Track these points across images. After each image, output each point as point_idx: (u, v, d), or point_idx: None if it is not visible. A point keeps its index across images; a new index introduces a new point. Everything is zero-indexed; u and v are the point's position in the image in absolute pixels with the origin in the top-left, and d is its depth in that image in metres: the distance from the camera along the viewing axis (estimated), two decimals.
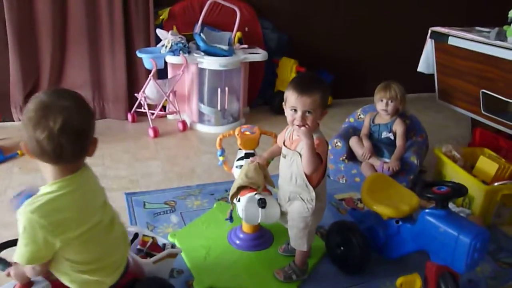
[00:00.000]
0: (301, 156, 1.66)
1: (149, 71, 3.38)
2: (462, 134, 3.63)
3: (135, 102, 3.51)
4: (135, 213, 2.32)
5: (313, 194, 1.72)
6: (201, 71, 3.45)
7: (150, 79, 3.31)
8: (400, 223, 1.87)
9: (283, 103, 1.70)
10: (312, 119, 1.62)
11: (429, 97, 4.39)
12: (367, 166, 2.66)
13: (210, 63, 3.37)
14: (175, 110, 3.51)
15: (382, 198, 1.90)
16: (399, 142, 2.67)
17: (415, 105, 4.07)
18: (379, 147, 2.72)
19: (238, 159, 2.09)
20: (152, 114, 3.42)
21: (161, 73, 3.50)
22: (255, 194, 1.85)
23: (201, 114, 3.59)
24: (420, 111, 3.97)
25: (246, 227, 2.05)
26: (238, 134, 2.05)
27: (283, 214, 1.86)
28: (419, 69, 3.17)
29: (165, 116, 3.70)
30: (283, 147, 1.77)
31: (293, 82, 1.64)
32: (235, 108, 3.65)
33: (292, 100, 1.62)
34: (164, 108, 3.64)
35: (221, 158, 2.15)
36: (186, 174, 2.81)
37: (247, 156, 2.07)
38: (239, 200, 1.94)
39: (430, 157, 2.88)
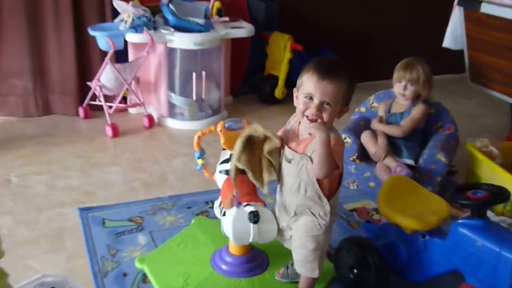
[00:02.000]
0: (312, 161, 1.66)
1: (105, 53, 3.37)
2: (500, 125, 3.68)
3: (88, 93, 3.50)
4: (92, 233, 2.32)
5: (328, 207, 1.72)
6: (171, 51, 3.45)
7: (106, 63, 3.30)
8: (427, 237, 1.88)
9: (295, 90, 1.71)
10: (330, 113, 1.62)
11: (457, 79, 4.46)
12: (383, 167, 2.68)
13: (182, 41, 3.36)
14: (138, 102, 3.51)
15: (404, 207, 1.92)
16: (404, 122, 2.70)
17: (440, 90, 4.11)
18: (396, 143, 2.74)
19: (222, 162, 2.09)
20: (110, 107, 3.41)
21: (120, 56, 3.49)
22: (245, 205, 1.85)
23: (171, 106, 3.58)
24: (447, 96, 4.01)
25: (234, 248, 2.05)
26: (221, 131, 2.05)
27: (281, 231, 1.87)
28: (444, 44, 3.19)
29: (126, 110, 3.70)
30: (287, 149, 1.75)
31: (315, 63, 1.64)
32: (214, 97, 3.66)
33: (309, 85, 1.61)
34: (124, 99, 3.63)
35: (200, 162, 2.15)
36: (155, 182, 2.81)
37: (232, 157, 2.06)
38: (224, 214, 1.94)
39: (461, 154, 2.91)
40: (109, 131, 3.33)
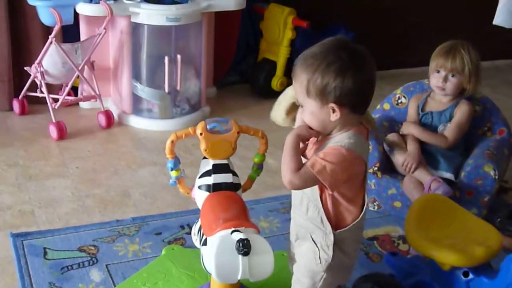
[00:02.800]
0: None
1: (48, 30, 3.33)
2: None
3: (26, 82, 3.49)
4: (29, 267, 2.30)
5: (331, 238, 1.74)
6: (136, 28, 3.45)
7: (50, 43, 3.29)
8: (471, 275, 1.88)
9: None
10: (306, 114, 1.72)
11: (509, 67, 4.49)
12: (413, 183, 2.68)
13: (151, 14, 3.37)
14: (93, 94, 3.50)
15: (441, 236, 1.92)
16: (449, 132, 2.71)
17: (487, 80, 4.12)
18: (431, 152, 2.75)
19: (203, 175, 2.08)
20: (55, 101, 3.40)
21: (69, 33, 3.48)
22: (232, 231, 1.84)
23: (136, 100, 3.58)
24: (496, 89, 4.04)
25: (218, 287, 2.03)
26: (201, 134, 2.05)
27: (292, 258, 1.89)
28: (495, 21, 3.20)
29: (77, 104, 3.68)
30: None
31: None
32: (193, 89, 3.66)
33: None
34: (74, 91, 3.61)
35: (173, 174, 2.13)
36: (114, 200, 2.81)
37: (216, 169, 2.06)
38: (204, 243, 1.93)
39: None
40: (53, 131, 3.32)
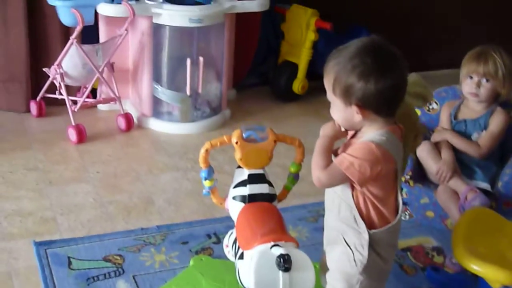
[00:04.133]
0: None
1: (68, 30, 3.30)
2: None
3: (44, 84, 3.45)
4: (53, 278, 2.25)
5: (366, 237, 1.72)
6: (157, 29, 3.41)
7: (71, 44, 3.24)
8: None
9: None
10: (334, 112, 1.75)
11: None
12: (448, 192, 2.61)
13: (173, 15, 3.32)
14: (112, 96, 3.45)
15: (491, 252, 1.85)
16: (483, 141, 2.65)
17: None
18: (465, 160, 2.67)
19: (237, 185, 2.02)
20: (75, 103, 3.35)
21: (88, 34, 3.43)
22: (273, 245, 1.78)
23: (157, 103, 3.54)
24: None
25: None
26: (237, 143, 1.98)
27: (324, 271, 1.85)
28: None
29: (94, 106, 3.64)
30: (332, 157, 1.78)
31: None
32: (214, 92, 3.62)
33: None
34: (93, 93, 3.57)
35: (207, 184, 2.07)
36: (138, 207, 2.76)
37: (252, 179, 1.99)
38: (241, 256, 1.88)
39: None
40: (72, 134, 3.28)
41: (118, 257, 2.38)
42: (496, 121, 2.66)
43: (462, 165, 2.66)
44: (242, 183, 2.01)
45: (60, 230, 2.54)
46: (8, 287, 2.20)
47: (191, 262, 2.33)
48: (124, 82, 3.60)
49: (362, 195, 1.70)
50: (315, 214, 2.76)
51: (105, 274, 2.28)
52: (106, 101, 3.51)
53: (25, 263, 2.32)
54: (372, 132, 1.68)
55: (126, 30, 3.33)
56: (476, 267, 1.83)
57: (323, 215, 2.71)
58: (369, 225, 1.72)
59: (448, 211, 2.60)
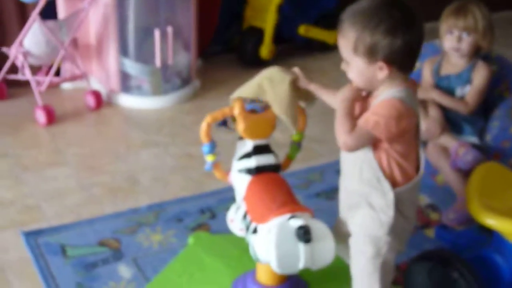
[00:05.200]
0: None
1: (23, 7, 3.21)
2: None
3: (4, 64, 3.30)
4: (50, 268, 2.16)
5: (391, 196, 1.71)
6: (122, 0, 3.29)
7: (34, 21, 3.10)
8: None
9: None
10: (352, 71, 1.71)
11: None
12: (438, 149, 2.60)
13: None
14: (78, 73, 3.35)
15: (506, 206, 1.85)
16: (470, 97, 2.65)
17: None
18: (452, 117, 2.67)
19: (242, 158, 1.97)
20: (38, 83, 3.22)
21: (48, 10, 3.27)
22: (290, 217, 1.75)
23: (125, 78, 3.45)
24: (508, 43, 3.98)
25: (265, 275, 1.95)
26: (239, 114, 1.92)
27: (340, 238, 1.82)
28: None
29: (58, 85, 3.52)
30: None
31: None
32: (183, 62, 3.54)
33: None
34: (57, 71, 3.42)
35: (210, 158, 2.00)
36: (123, 187, 2.69)
37: (257, 150, 1.95)
38: (254, 231, 1.83)
39: None
40: (41, 116, 3.16)
41: (113, 241, 2.32)
42: (480, 76, 2.65)
43: (450, 122, 2.65)
44: (247, 155, 1.97)
45: (47, 218, 2.45)
46: (4, 281, 2.10)
47: (190, 240, 2.28)
48: (88, 58, 3.49)
49: (385, 154, 1.69)
50: (305, 181, 2.74)
51: (103, 260, 2.22)
52: (72, 78, 3.38)
53: (16, 255, 2.23)
54: (391, 89, 1.66)
55: (88, 3, 3.19)
56: (493, 221, 1.83)
57: (313, 181, 2.74)
58: (392, 184, 1.71)
59: (439, 168, 2.60)
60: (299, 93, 1.90)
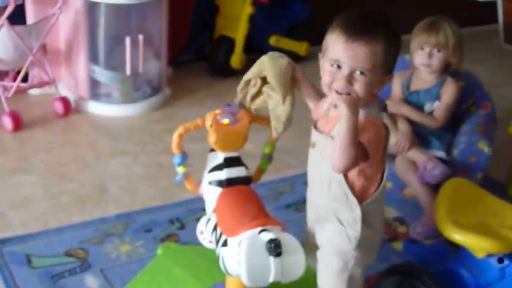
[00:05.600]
0: None
1: None
2: None
3: None
4: (15, 279, 2.13)
5: (358, 212, 1.70)
6: (92, 7, 3.28)
7: (2, 25, 3.05)
8: (506, 262, 1.85)
9: (320, 55, 1.72)
10: (365, 84, 1.60)
11: (479, 34, 4.49)
12: (406, 163, 2.63)
13: None
14: (46, 79, 3.31)
15: (472, 222, 1.89)
16: (439, 113, 2.69)
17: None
18: (421, 131, 2.70)
19: (213, 169, 1.96)
20: (5, 89, 3.18)
21: (16, 15, 3.20)
22: (261, 231, 1.74)
23: (95, 85, 3.43)
24: (474, 59, 4.02)
25: (236, 286, 1.91)
26: (211, 126, 1.91)
27: (314, 252, 1.82)
28: None
29: (25, 91, 3.45)
30: (312, 130, 1.75)
31: (342, 18, 1.65)
32: (154, 70, 3.53)
33: (335, 49, 1.62)
34: (25, 76, 3.37)
35: (181, 170, 1.99)
36: (92, 195, 2.66)
37: (228, 162, 1.94)
38: (224, 244, 1.83)
39: (501, 140, 2.93)
40: (8, 122, 3.12)
41: (81, 251, 2.29)
42: (448, 92, 2.70)
43: (418, 136, 2.69)
44: (218, 167, 1.95)
45: (13, 226, 2.41)
46: None
47: (159, 251, 2.26)
48: (57, 64, 3.45)
49: (354, 170, 1.65)
50: (275, 193, 2.74)
51: (70, 270, 2.19)
52: (40, 85, 3.34)
53: None
54: (368, 108, 1.64)
55: (60, 9, 3.16)
56: (461, 237, 1.87)
57: (282, 193, 2.75)
58: (361, 196, 1.70)
59: (408, 181, 2.63)
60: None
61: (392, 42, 1.61)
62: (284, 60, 1.80)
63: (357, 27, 1.59)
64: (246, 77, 1.86)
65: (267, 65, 1.79)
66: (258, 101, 1.89)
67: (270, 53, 1.82)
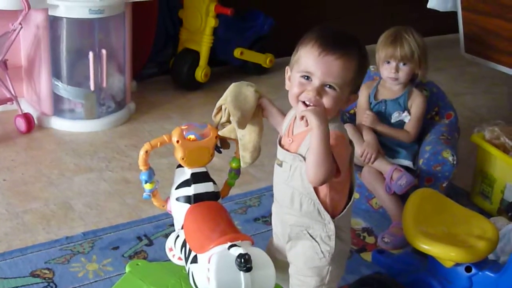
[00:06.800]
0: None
1: None
2: (486, 105, 3.82)
3: None
4: None
5: (332, 227, 1.71)
6: (54, 22, 3.24)
7: None
8: (474, 270, 1.87)
9: (287, 69, 1.73)
10: (334, 99, 1.62)
11: (440, 43, 4.54)
12: (373, 173, 2.65)
13: (72, 7, 3.17)
14: (7, 95, 3.25)
15: (439, 232, 1.91)
16: (410, 127, 2.72)
17: None
18: (387, 141, 2.73)
19: (180, 185, 1.96)
20: None
21: None
22: (230, 246, 1.74)
23: (58, 101, 3.39)
24: (436, 68, 4.09)
25: None
26: (178, 141, 1.91)
27: (280, 267, 1.81)
28: (429, 5, 3.23)
29: None
30: (278, 148, 1.75)
31: (317, 32, 1.66)
32: (117, 85, 3.49)
33: (307, 61, 1.63)
34: None
35: (148, 186, 1.98)
36: (57, 214, 2.61)
37: (196, 178, 1.95)
38: (193, 261, 1.82)
39: (464, 149, 2.96)
40: None
41: (46, 271, 2.24)
42: (417, 105, 2.73)
43: (384, 146, 2.71)
44: (186, 183, 1.96)
45: None
46: None
47: (127, 268, 2.22)
48: (18, 80, 3.40)
49: (325, 186, 1.65)
50: (243, 206, 2.73)
51: None
52: (2, 101, 3.27)
53: None
54: (333, 123, 1.64)
55: (21, 24, 3.11)
56: (428, 247, 1.89)
57: (250, 206, 2.74)
58: (332, 212, 1.71)
59: (374, 192, 2.65)
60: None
61: (362, 63, 1.65)
62: (250, 88, 1.86)
63: (332, 41, 1.61)
64: (218, 104, 1.88)
65: (229, 91, 1.85)
66: (226, 130, 1.90)
67: (240, 82, 1.88)
